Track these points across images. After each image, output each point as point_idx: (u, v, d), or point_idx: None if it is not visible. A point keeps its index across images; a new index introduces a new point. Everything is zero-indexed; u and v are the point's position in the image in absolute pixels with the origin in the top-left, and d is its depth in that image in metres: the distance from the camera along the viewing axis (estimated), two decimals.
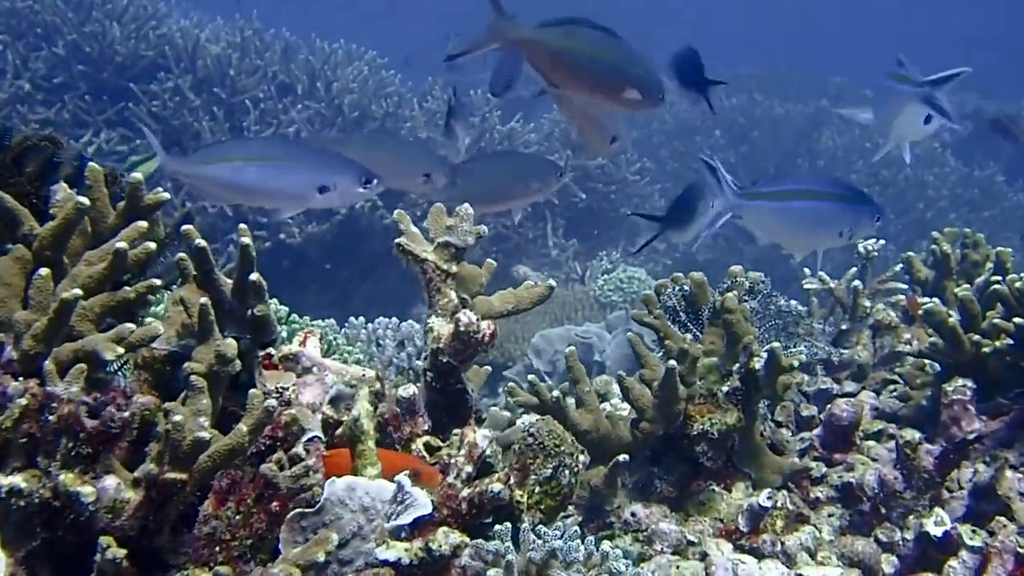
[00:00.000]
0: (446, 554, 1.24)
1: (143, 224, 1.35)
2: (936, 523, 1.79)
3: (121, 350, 1.22)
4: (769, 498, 1.82)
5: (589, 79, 2.06)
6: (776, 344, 1.91)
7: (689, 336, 2.05)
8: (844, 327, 2.44)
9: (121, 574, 1.09)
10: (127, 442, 1.20)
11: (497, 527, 1.34)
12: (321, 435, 1.35)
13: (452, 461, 1.34)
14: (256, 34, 5.09)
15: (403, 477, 1.24)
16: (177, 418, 1.12)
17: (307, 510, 1.19)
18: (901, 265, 2.53)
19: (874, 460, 2.03)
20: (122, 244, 1.29)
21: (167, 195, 1.44)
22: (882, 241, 2.58)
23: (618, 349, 3.63)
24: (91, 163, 1.41)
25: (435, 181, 2.76)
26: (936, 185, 6.65)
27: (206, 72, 4.82)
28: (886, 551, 1.88)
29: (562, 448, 1.53)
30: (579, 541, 1.38)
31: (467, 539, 1.28)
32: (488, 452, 1.38)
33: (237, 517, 1.17)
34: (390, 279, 4.57)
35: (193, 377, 1.21)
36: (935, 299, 2.13)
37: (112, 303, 1.29)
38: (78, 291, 1.21)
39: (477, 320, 1.51)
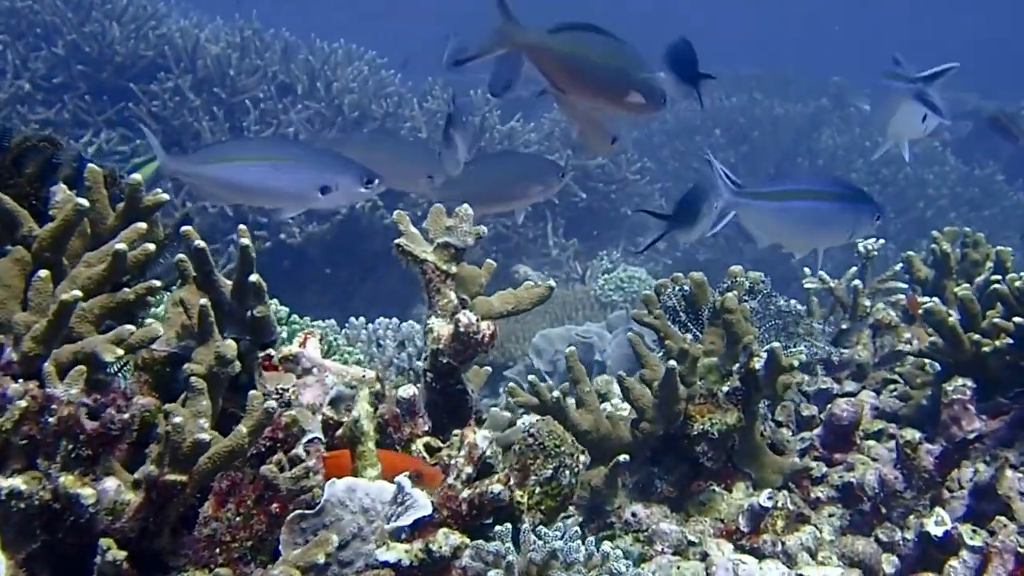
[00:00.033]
0: (446, 555, 1.24)
1: (142, 225, 1.34)
2: (936, 523, 1.79)
3: (121, 352, 1.22)
4: (770, 498, 1.82)
5: (595, 84, 2.07)
6: (776, 344, 1.91)
7: (689, 336, 2.05)
8: (844, 327, 2.44)
9: None
10: (127, 444, 1.20)
11: (497, 528, 1.35)
12: (321, 436, 1.35)
13: (452, 462, 1.34)
14: (256, 34, 5.09)
15: (403, 478, 1.24)
16: (177, 420, 1.12)
17: (307, 511, 1.19)
18: (901, 264, 2.53)
19: (874, 460, 2.03)
20: (121, 245, 1.29)
21: (166, 196, 1.44)
22: (882, 240, 2.57)
23: (619, 349, 3.63)
24: (90, 164, 1.41)
25: (437, 182, 2.76)
26: (936, 184, 6.65)
27: (206, 72, 4.82)
28: (887, 551, 1.88)
29: (562, 448, 1.53)
30: (579, 542, 1.38)
31: (467, 540, 1.28)
32: (488, 453, 1.38)
33: (237, 519, 1.17)
34: (390, 279, 4.57)
35: (193, 378, 1.21)
36: (935, 298, 2.13)
37: (111, 304, 1.29)
38: (78, 293, 1.21)
39: (477, 321, 1.51)
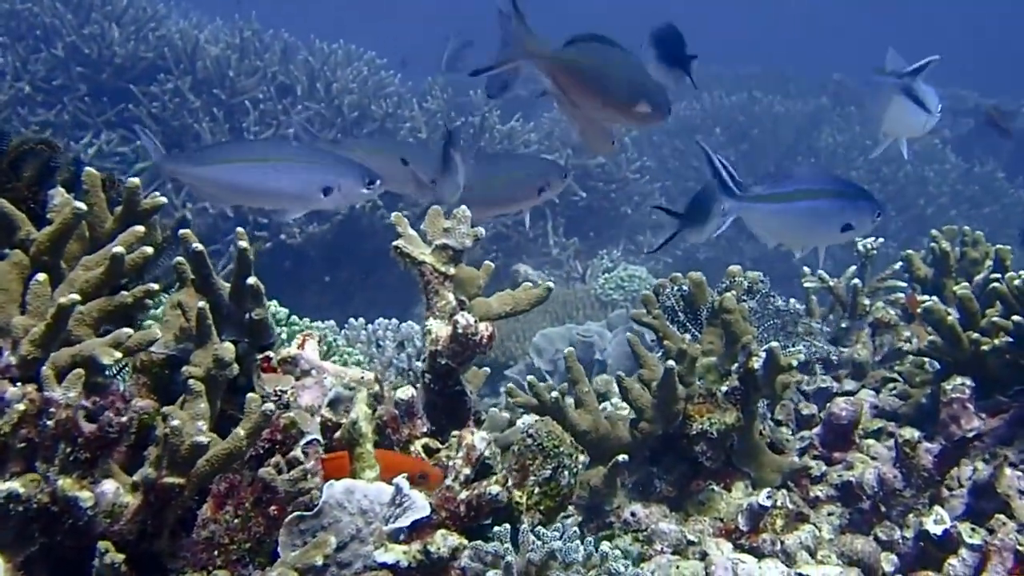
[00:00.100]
0: (444, 556, 1.24)
1: (140, 229, 1.35)
2: (936, 521, 1.79)
3: (119, 355, 1.22)
4: (769, 497, 1.82)
5: (605, 96, 2.09)
6: (774, 344, 1.91)
7: (688, 336, 2.05)
8: (844, 325, 2.44)
9: None
10: (126, 446, 1.20)
11: (496, 528, 1.35)
12: (320, 438, 1.35)
13: (450, 463, 1.34)
14: (255, 35, 5.09)
15: (401, 479, 1.24)
16: (175, 422, 1.12)
17: (305, 513, 1.19)
18: (900, 263, 2.53)
19: (874, 459, 2.03)
20: (119, 249, 1.29)
21: (164, 199, 1.44)
22: (881, 239, 2.57)
23: (619, 348, 3.63)
24: (88, 168, 1.41)
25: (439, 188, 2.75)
26: (936, 182, 6.66)
27: (205, 73, 4.82)
28: (886, 549, 1.88)
29: (561, 449, 1.53)
30: (578, 542, 1.38)
31: (465, 541, 1.28)
32: (486, 454, 1.39)
33: (235, 521, 1.17)
34: (390, 279, 4.58)
35: (191, 381, 1.21)
36: (934, 297, 2.13)
37: (110, 308, 1.29)
38: (75, 296, 1.21)
39: (475, 322, 1.51)
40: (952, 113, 7.42)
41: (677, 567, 1.75)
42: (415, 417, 1.51)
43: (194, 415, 1.18)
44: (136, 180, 1.41)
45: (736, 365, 1.93)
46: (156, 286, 1.34)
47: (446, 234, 1.60)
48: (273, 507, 1.19)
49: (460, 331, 1.50)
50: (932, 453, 1.95)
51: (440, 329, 1.55)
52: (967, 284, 2.16)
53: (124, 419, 1.17)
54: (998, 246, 2.36)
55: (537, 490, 1.52)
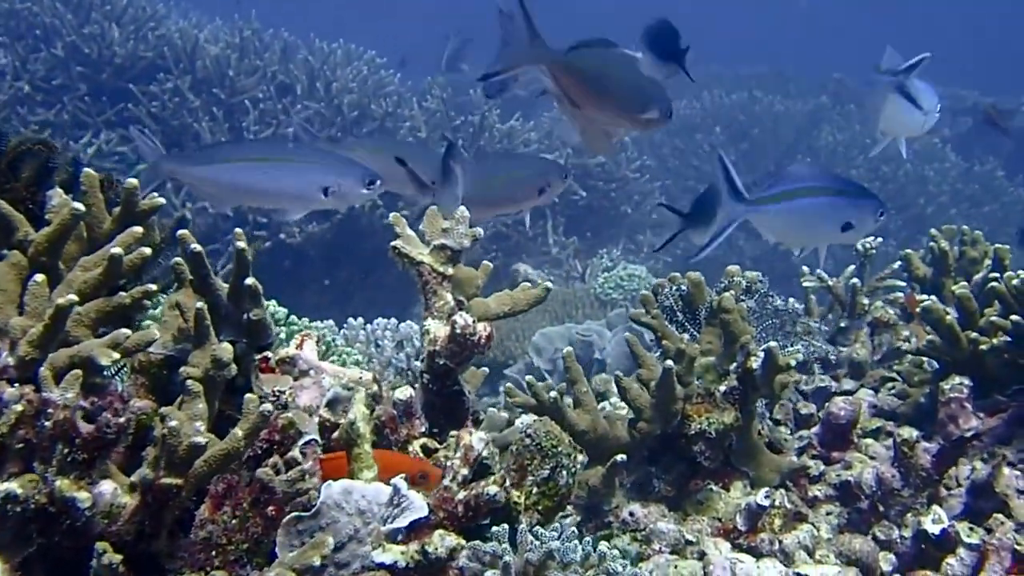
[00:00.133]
0: (442, 557, 1.24)
1: (138, 229, 1.35)
2: (934, 521, 1.79)
3: (117, 355, 1.22)
4: (767, 497, 1.82)
5: (613, 102, 2.09)
6: (773, 343, 1.91)
7: (686, 336, 2.05)
8: (843, 325, 2.44)
9: None
10: (124, 447, 1.20)
11: (495, 528, 1.35)
12: (318, 438, 1.35)
13: (448, 464, 1.34)
14: (255, 34, 5.09)
15: (399, 480, 1.24)
16: (173, 423, 1.12)
17: (303, 514, 1.19)
18: (899, 262, 2.53)
19: (872, 458, 2.03)
20: (117, 249, 1.29)
21: (162, 200, 1.44)
22: (880, 239, 2.57)
23: (618, 347, 3.63)
24: (86, 168, 1.41)
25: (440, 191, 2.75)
26: (936, 180, 6.65)
27: (205, 73, 4.83)
28: (884, 549, 1.88)
29: (559, 449, 1.53)
30: (576, 542, 1.38)
31: (463, 541, 1.28)
32: (484, 454, 1.39)
33: (233, 521, 1.17)
34: (390, 278, 4.58)
35: (189, 382, 1.21)
36: (932, 297, 2.13)
37: (107, 308, 1.29)
38: (73, 297, 1.22)
39: (473, 322, 1.51)
40: (951, 112, 7.41)
41: (675, 567, 1.75)
42: (413, 417, 1.51)
43: (192, 416, 1.18)
44: (134, 181, 1.41)
45: (734, 365, 1.93)
46: (154, 287, 1.34)
47: (444, 234, 1.60)
48: (271, 507, 1.19)
49: (458, 331, 1.51)
50: (930, 452, 1.96)
51: (438, 329, 1.55)
52: (966, 283, 2.16)
53: (122, 420, 1.17)
54: (997, 245, 2.36)
55: (535, 490, 1.52)
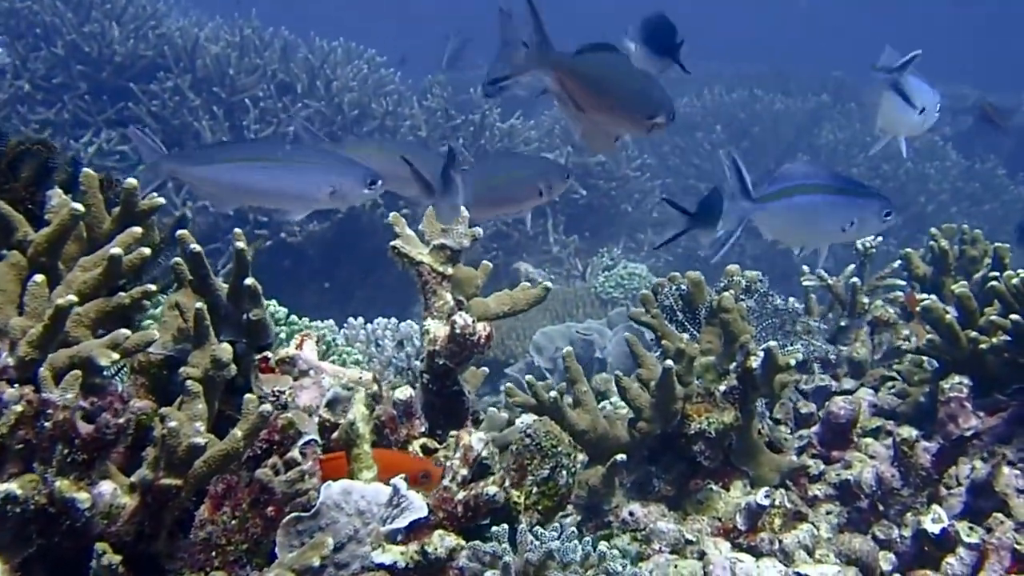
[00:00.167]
0: (442, 557, 1.24)
1: (138, 230, 1.35)
2: (934, 520, 1.79)
3: (116, 356, 1.22)
4: (767, 496, 1.82)
5: (620, 108, 2.10)
6: (773, 343, 1.91)
7: (686, 335, 2.05)
8: (843, 324, 2.44)
9: None
10: (124, 447, 1.20)
11: (494, 528, 1.35)
12: (318, 439, 1.35)
13: (447, 464, 1.35)
14: (255, 33, 5.09)
15: (399, 480, 1.24)
16: (172, 424, 1.12)
17: (303, 514, 1.19)
18: (899, 261, 2.53)
19: (872, 457, 2.03)
20: (117, 250, 1.29)
21: (161, 200, 1.44)
22: (880, 238, 2.57)
23: (619, 346, 3.63)
24: (85, 169, 1.41)
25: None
26: (937, 179, 6.65)
27: (205, 71, 4.83)
28: (884, 548, 1.88)
29: (559, 449, 1.53)
30: (576, 542, 1.39)
31: (463, 542, 1.28)
32: (484, 454, 1.39)
33: (233, 522, 1.17)
34: (390, 277, 4.58)
35: (189, 382, 1.21)
36: (932, 296, 2.13)
37: (107, 309, 1.29)
38: (73, 297, 1.22)
39: (473, 322, 1.51)
40: (952, 111, 7.41)
41: (675, 566, 1.75)
42: (413, 417, 1.51)
43: (192, 416, 1.18)
44: (133, 181, 1.41)
45: (734, 364, 1.93)
46: (154, 287, 1.34)
47: (444, 234, 1.60)
48: (270, 508, 1.19)
49: (458, 331, 1.51)
50: (930, 452, 1.96)
51: (438, 329, 1.55)
52: (965, 283, 2.16)
53: (121, 420, 1.17)
54: (996, 244, 2.36)
55: (535, 490, 1.52)
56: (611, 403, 2.34)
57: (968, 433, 1.96)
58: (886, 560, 1.87)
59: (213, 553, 1.16)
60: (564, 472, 1.54)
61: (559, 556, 1.36)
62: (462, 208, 1.61)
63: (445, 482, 1.32)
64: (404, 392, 1.50)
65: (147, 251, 1.35)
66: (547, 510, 1.53)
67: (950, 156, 6.96)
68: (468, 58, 7.06)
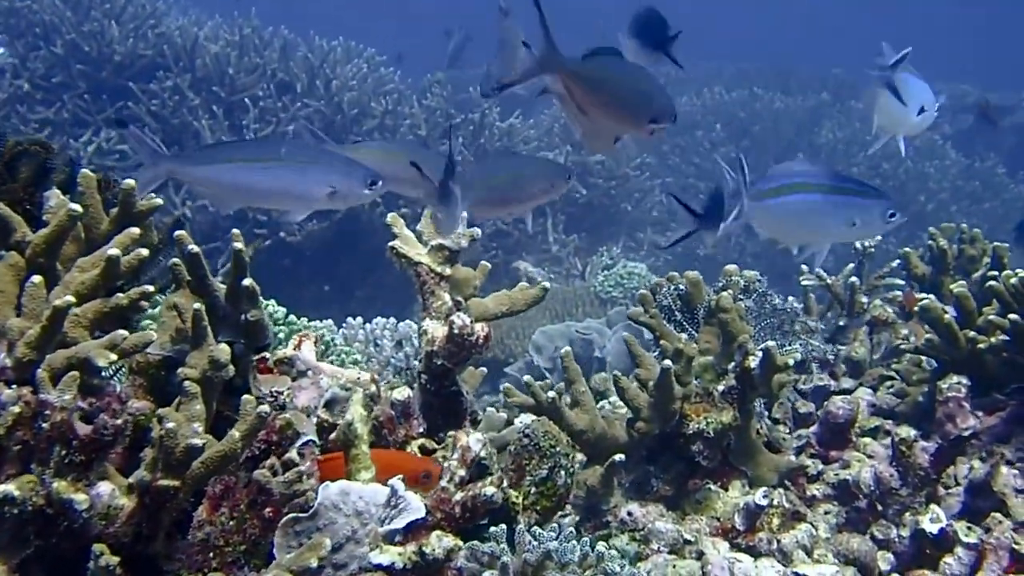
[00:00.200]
0: (439, 558, 1.24)
1: (135, 230, 1.35)
2: (932, 520, 1.79)
3: (114, 357, 1.22)
4: (765, 496, 1.82)
5: (626, 113, 2.11)
6: (771, 343, 1.91)
7: (685, 335, 2.05)
8: (841, 323, 2.44)
9: None
10: (122, 448, 1.20)
11: (492, 528, 1.35)
12: (316, 439, 1.35)
13: (445, 465, 1.35)
14: (255, 32, 5.09)
15: (396, 481, 1.24)
16: (170, 425, 1.12)
17: (301, 515, 1.19)
18: (898, 261, 2.53)
19: (870, 457, 2.03)
20: (115, 251, 1.29)
21: (159, 201, 1.44)
22: (879, 237, 2.57)
23: (618, 345, 3.62)
24: (83, 169, 1.41)
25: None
26: (937, 177, 6.65)
27: (205, 71, 4.82)
28: (882, 548, 1.88)
29: (557, 449, 1.54)
30: (574, 542, 1.39)
31: (460, 543, 1.28)
32: (482, 455, 1.39)
33: (231, 523, 1.17)
34: (390, 276, 4.58)
35: (187, 383, 1.21)
36: (930, 295, 2.13)
37: (105, 310, 1.29)
38: (71, 298, 1.22)
39: (471, 322, 1.51)
40: (951, 109, 7.41)
41: (674, 566, 1.75)
42: (411, 418, 1.51)
43: (190, 417, 1.18)
44: (131, 182, 1.41)
45: (733, 364, 1.93)
46: (151, 288, 1.34)
47: (442, 235, 1.60)
48: (268, 509, 1.19)
49: (456, 332, 1.51)
50: (928, 452, 1.96)
51: (436, 330, 1.55)
52: (964, 282, 2.16)
53: (119, 421, 1.18)
54: (995, 244, 2.36)
55: (534, 490, 1.53)
56: (610, 403, 2.34)
57: (966, 433, 1.96)
58: (884, 560, 1.87)
59: (211, 554, 1.16)
60: (562, 472, 1.54)
61: (557, 556, 1.37)
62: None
63: (443, 483, 1.32)
64: (402, 393, 1.50)
65: (145, 252, 1.35)
66: (545, 510, 1.53)
67: (950, 155, 6.95)
68: (468, 56, 7.06)
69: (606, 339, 3.76)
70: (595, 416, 1.92)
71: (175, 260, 1.41)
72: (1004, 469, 1.85)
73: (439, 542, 1.25)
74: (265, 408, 1.19)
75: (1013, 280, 1.96)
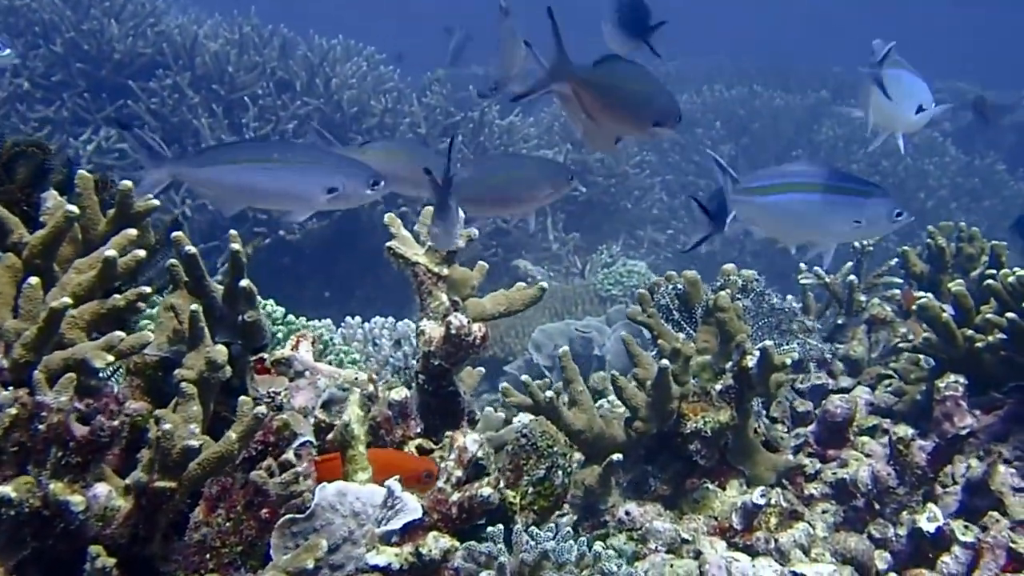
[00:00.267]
0: (436, 559, 1.25)
1: (133, 232, 1.35)
2: (929, 519, 1.80)
3: (111, 358, 1.23)
4: (763, 495, 1.83)
5: (633, 118, 2.12)
6: (769, 342, 1.91)
7: (682, 335, 2.05)
8: (840, 322, 2.44)
9: None
10: (119, 448, 1.20)
11: (490, 528, 1.35)
12: (313, 440, 1.35)
13: (442, 465, 1.35)
14: (254, 30, 5.09)
15: (393, 482, 1.24)
16: (167, 426, 1.12)
17: (297, 516, 1.20)
18: (897, 259, 2.54)
19: (868, 456, 2.03)
20: (112, 252, 1.30)
21: (156, 202, 1.44)
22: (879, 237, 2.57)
23: (618, 344, 3.62)
24: (81, 171, 1.41)
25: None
26: (937, 175, 6.64)
27: (204, 69, 4.82)
28: (879, 547, 1.88)
29: (555, 449, 1.54)
30: (572, 542, 1.39)
31: (457, 543, 1.28)
32: (479, 455, 1.39)
33: (227, 524, 1.18)
34: (389, 275, 4.58)
35: (184, 384, 1.22)
36: (928, 294, 2.13)
37: (102, 311, 1.30)
38: (68, 299, 1.22)
39: (468, 323, 1.51)
40: (951, 107, 7.40)
41: (671, 566, 1.75)
42: (408, 418, 1.51)
43: (186, 418, 1.18)
44: (129, 183, 1.41)
45: (730, 363, 1.93)
46: (148, 289, 1.34)
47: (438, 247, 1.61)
48: (265, 510, 1.19)
49: (453, 332, 1.51)
50: (926, 450, 1.96)
51: (433, 330, 1.55)
52: (961, 281, 2.16)
53: (115, 423, 1.18)
54: (994, 242, 2.36)
55: (531, 490, 1.53)
56: (608, 402, 2.34)
57: (964, 432, 1.96)
58: (882, 559, 1.87)
59: (208, 555, 1.16)
60: (560, 472, 1.54)
61: (554, 556, 1.37)
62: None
63: (440, 483, 1.32)
64: (399, 393, 1.51)
65: (142, 253, 1.35)
66: (543, 510, 1.53)
67: (949, 152, 6.95)
68: (468, 55, 7.06)
69: (606, 337, 3.77)
70: (593, 416, 1.92)
71: (172, 261, 1.41)
72: (1001, 468, 1.86)
73: (436, 543, 1.25)
74: (262, 409, 1.19)
75: (1011, 278, 1.96)
